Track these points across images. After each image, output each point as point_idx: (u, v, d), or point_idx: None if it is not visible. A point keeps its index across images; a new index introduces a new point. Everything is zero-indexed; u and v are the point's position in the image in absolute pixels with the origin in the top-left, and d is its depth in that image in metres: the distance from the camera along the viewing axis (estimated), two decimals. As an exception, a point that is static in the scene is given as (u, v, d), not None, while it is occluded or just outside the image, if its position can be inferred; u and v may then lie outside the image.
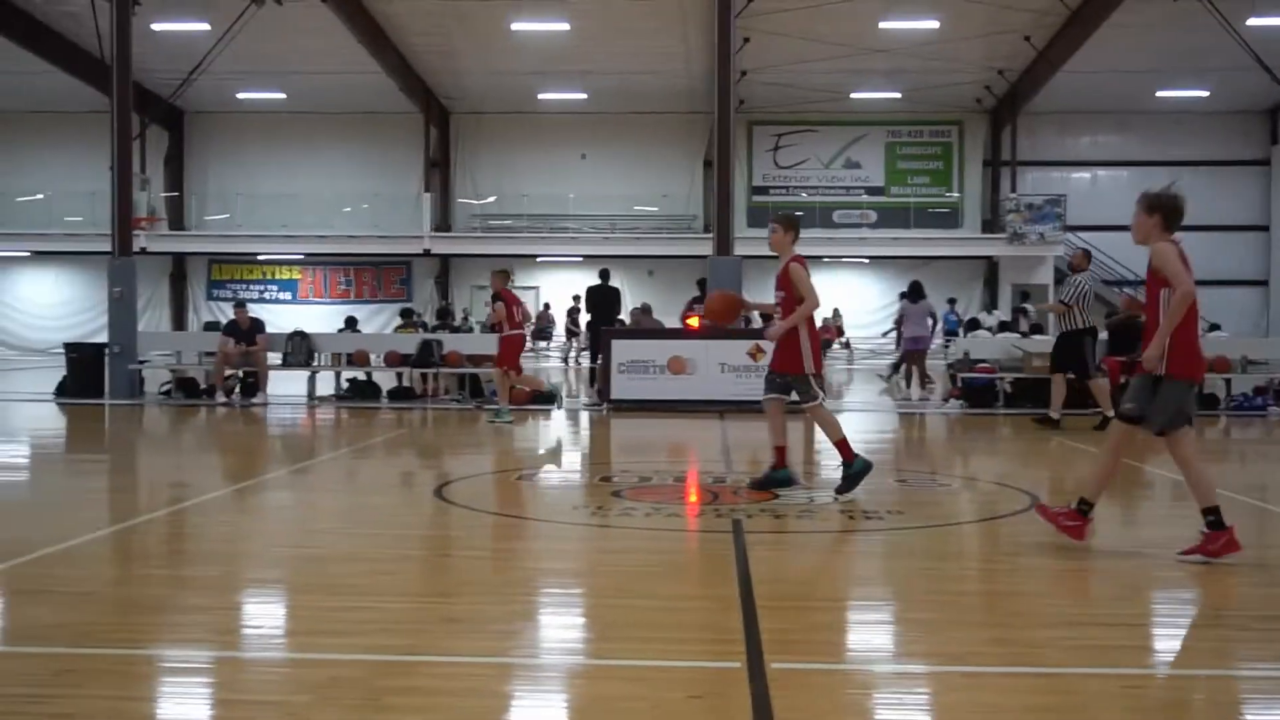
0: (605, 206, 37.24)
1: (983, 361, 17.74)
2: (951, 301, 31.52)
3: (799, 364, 8.48)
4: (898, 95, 35.20)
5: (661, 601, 5.75)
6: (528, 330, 15.80)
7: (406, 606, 5.63)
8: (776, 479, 8.71)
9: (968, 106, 37.01)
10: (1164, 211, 6.47)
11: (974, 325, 22.68)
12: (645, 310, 21.10)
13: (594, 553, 7.13)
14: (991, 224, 37.25)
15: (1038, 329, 24.24)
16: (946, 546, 7.40)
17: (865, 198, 38.15)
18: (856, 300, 36.98)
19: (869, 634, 5.43)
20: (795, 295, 8.53)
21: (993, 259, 37.41)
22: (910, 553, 7.10)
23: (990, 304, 35.99)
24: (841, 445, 8.49)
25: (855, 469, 8.46)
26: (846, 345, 34.72)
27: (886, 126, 38.27)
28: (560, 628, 5.47)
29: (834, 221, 37.22)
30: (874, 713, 4.27)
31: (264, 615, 5.69)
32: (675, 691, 4.34)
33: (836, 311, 34.05)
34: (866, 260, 37.74)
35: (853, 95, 35.17)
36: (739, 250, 19.32)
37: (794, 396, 8.63)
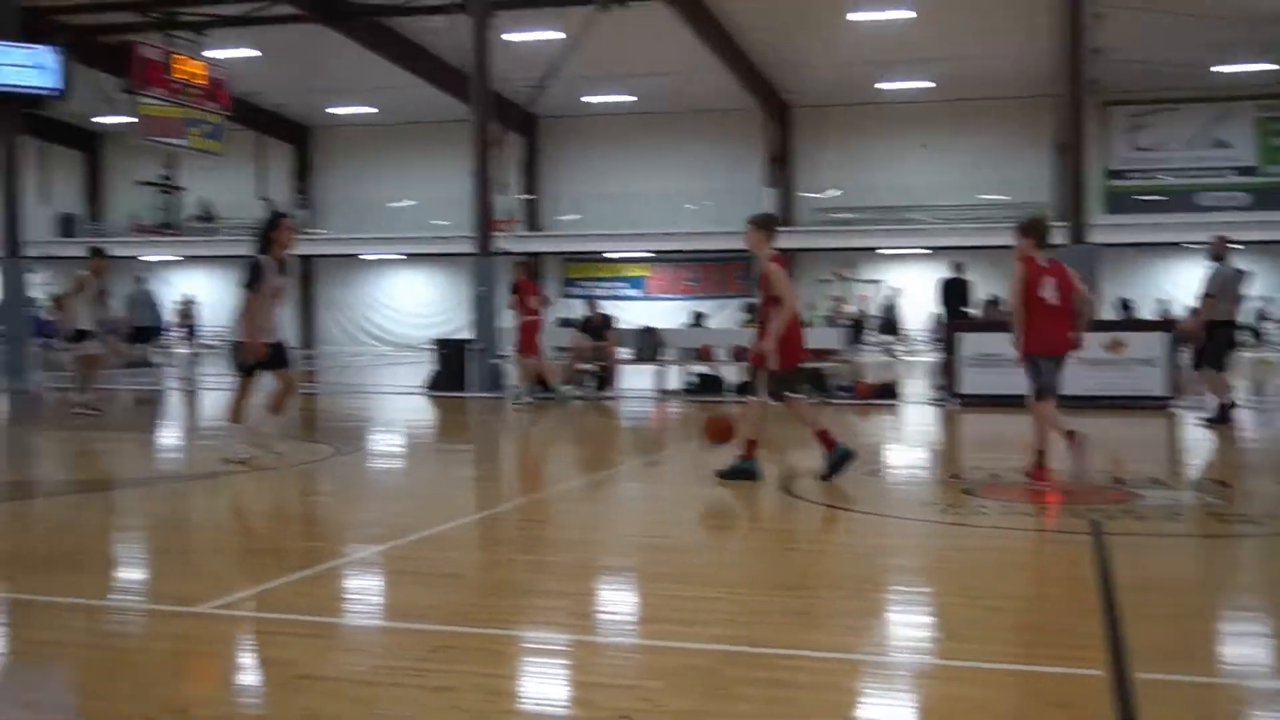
0: (948, 196, 36.33)
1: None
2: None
3: (778, 360, 8.71)
4: (1271, 67, 32.51)
5: (1015, 602, 5.58)
6: (546, 316, 16.76)
7: (754, 598, 5.70)
8: (742, 469, 8.90)
9: (1354, 72, 33.80)
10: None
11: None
12: (994, 303, 20.47)
13: (944, 550, 6.99)
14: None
15: None
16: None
17: (1235, 178, 35.52)
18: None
19: (1247, 647, 5.07)
20: (772, 295, 8.67)
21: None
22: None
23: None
24: (822, 435, 8.79)
25: (836, 455, 8.72)
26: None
27: (1257, 100, 35.47)
28: (910, 625, 5.39)
29: (1198, 205, 34.84)
30: (1253, 731, 3.99)
31: (617, 601, 5.90)
32: (1031, 697, 4.20)
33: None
34: (1241, 246, 35.04)
35: (1215, 69, 32.78)
36: (1095, 238, 18.41)
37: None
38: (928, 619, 5.49)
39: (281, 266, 9.88)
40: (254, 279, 9.58)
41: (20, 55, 22.14)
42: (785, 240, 36.72)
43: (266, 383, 10.21)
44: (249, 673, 4.66)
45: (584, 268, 41.61)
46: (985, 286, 27.32)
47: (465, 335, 20.95)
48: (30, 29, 23.40)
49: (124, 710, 3.98)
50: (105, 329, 15.49)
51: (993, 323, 17.73)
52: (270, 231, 9.79)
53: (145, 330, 28.73)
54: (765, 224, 9.05)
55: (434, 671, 4.43)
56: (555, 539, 7.58)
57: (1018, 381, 9.47)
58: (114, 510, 8.65)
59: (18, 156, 22.16)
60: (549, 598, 5.74)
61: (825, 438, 8.81)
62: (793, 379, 8.96)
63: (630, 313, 33.56)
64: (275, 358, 9.87)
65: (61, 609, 5.37)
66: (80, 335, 14.85)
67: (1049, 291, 8.87)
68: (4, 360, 21.34)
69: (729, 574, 6.23)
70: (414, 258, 41.28)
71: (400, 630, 5.16)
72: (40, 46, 22.61)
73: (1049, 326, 8.88)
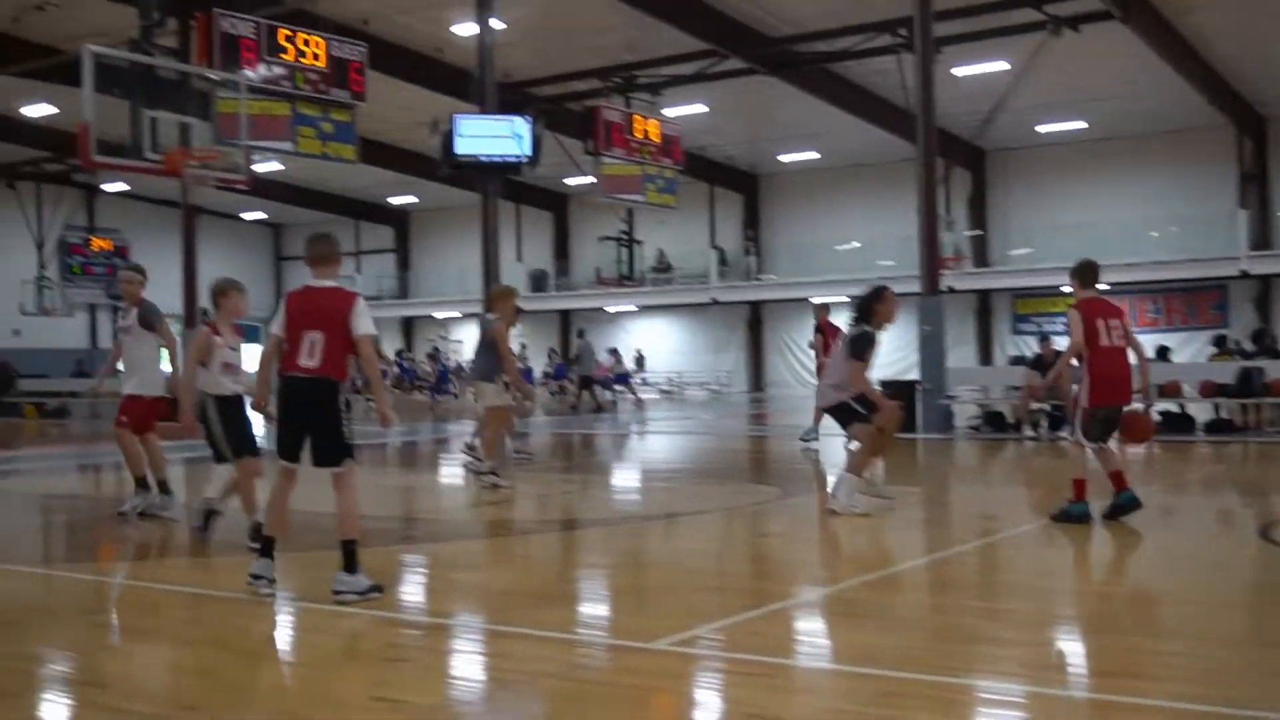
0: None
1: None
2: None
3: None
4: None
5: None
6: None
7: (1226, 654, 5.25)
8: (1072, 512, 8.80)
9: None
10: None
11: None
12: None
13: None
14: None
15: None
16: None
17: None
18: None
19: None
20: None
21: None
22: None
23: None
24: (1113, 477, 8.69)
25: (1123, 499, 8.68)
26: None
27: None
28: None
29: None
30: None
31: (1072, 652, 5.62)
32: None
33: None
34: None
35: None
36: None
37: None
38: None
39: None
40: (863, 349, 9.73)
41: (500, 127, 24.27)
42: (1262, 265, 33.61)
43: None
44: (702, 710, 4.81)
45: (1034, 303, 40.07)
46: None
47: (911, 376, 20.73)
48: (505, 103, 25.63)
49: (588, 737, 4.21)
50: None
51: None
52: (874, 303, 9.89)
53: (586, 379, 30.89)
54: (1077, 273, 9.30)
55: (881, 717, 4.39)
56: (1009, 584, 7.33)
57: None
58: (581, 548, 9.21)
59: (496, 219, 24.22)
60: (1001, 645, 5.55)
61: (1117, 479, 8.74)
62: (1092, 420, 8.80)
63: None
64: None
65: (534, 640, 5.76)
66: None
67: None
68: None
69: (1197, 627, 5.78)
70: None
71: (848, 674, 5.16)
72: (515, 118, 24.70)
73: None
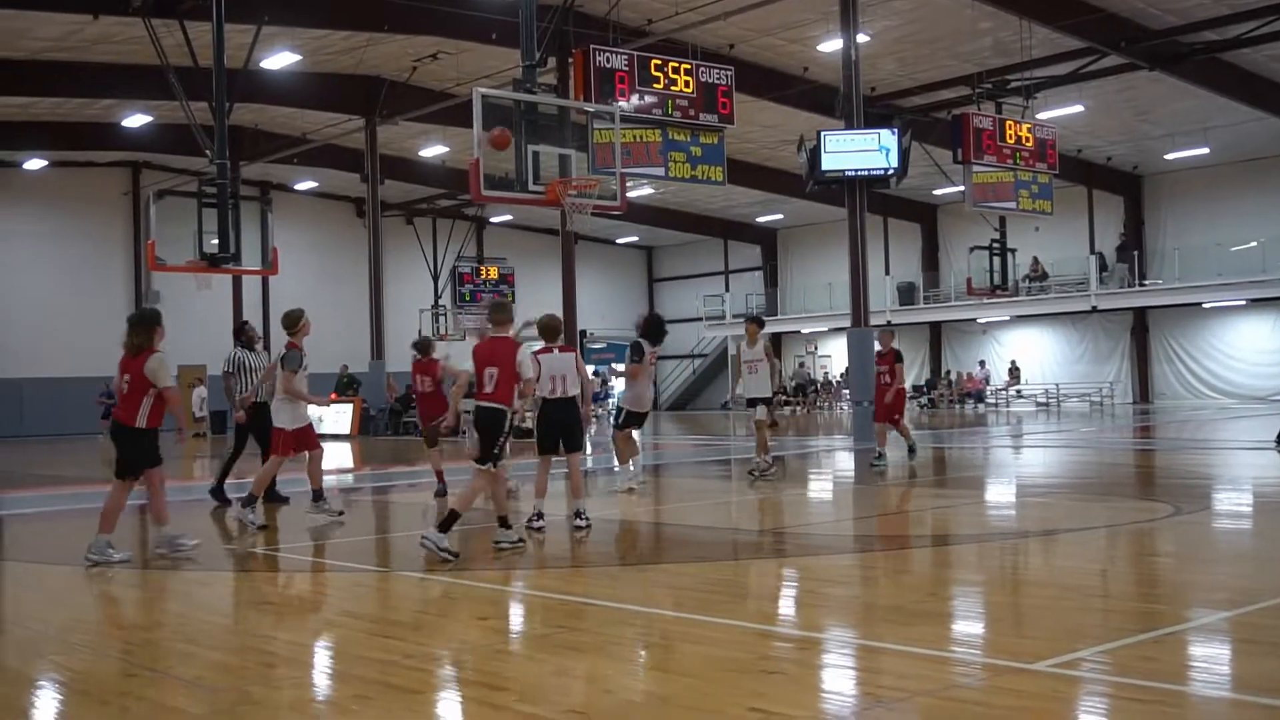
0: None
1: None
2: None
3: None
4: None
5: None
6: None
7: None
8: None
9: None
10: None
11: None
12: None
13: None
14: None
15: None
16: None
17: None
18: None
19: None
20: None
21: None
22: None
23: None
24: None
25: None
26: None
27: None
28: None
29: None
30: None
31: None
32: None
33: None
34: None
35: None
36: None
37: None
38: None
39: None
40: None
41: (866, 141, 24.18)
42: None
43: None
44: (1087, 734, 4.60)
45: None
46: None
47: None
48: (871, 116, 25.51)
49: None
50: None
51: None
52: None
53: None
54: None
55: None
56: None
57: None
58: (954, 565, 9.00)
59: (864, 233, 24.09)
60: None
61: None
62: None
63: None
64: None
65: (907, 657, 5.69)
66: (750, 403, 15.51)
67: None
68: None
69: None
70: (1256, 302, 38.27)
71: (1247, 704, 4.80)
72: (882, 130, 24.52)
73: None
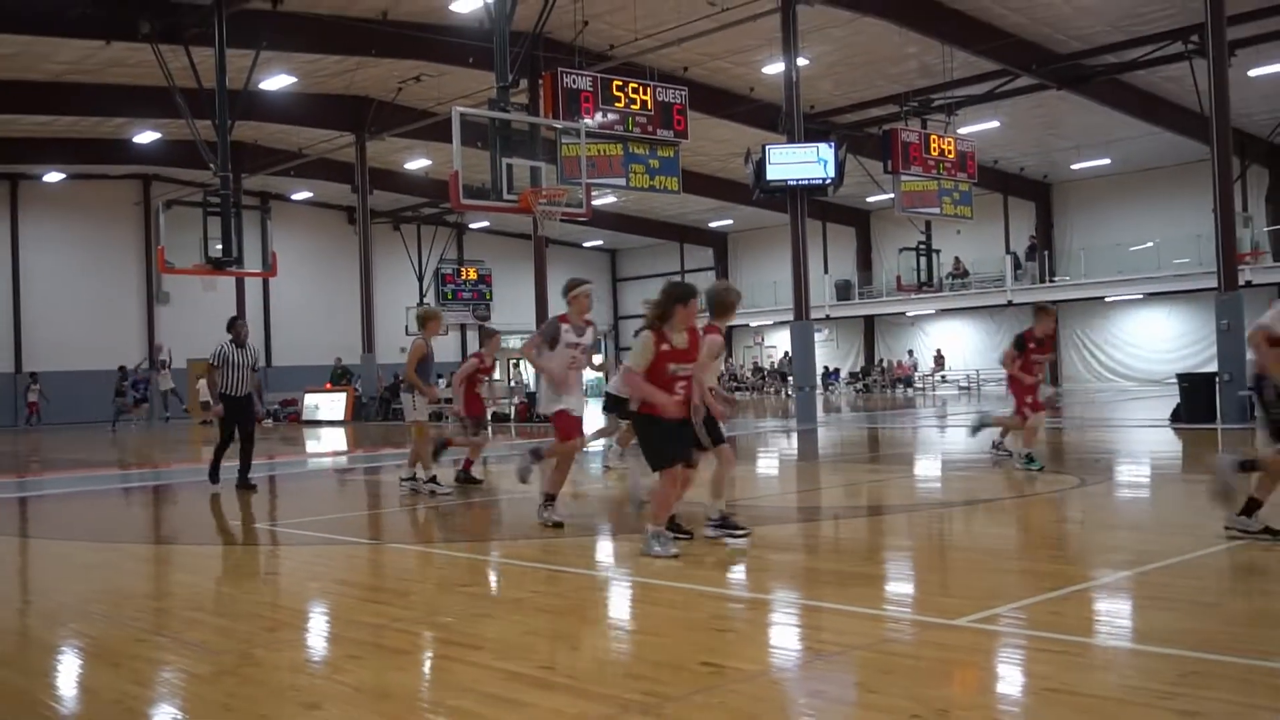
0: None
1: None
2: None
3: None
4: None
5: None
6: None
7: None
8: None
9: None
10: None
11: None
12: None
13: None
14: None
15: None
16: None
17: None
18: None
19: None
20: None
21: None
22: None
23: None
24: None
25: None
26: None
27: None
28: None
29: None
30: None
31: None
32: None
33: None
34: None
35: None
36: None
37: None
38: None
39: None
40: None
41: (805, 154, 24.22)
42: None
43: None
44: (1003, 682, 4.63)
45: (1342, 295, 36.35)
46: None
47: (1211, 369, 19.28)
48: (811, 131, 25.56)
49: (894, 706, 4.13)
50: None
51: None
52: None
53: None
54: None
55: (1183, 695, 4.10)
56: (1316, 572, 6.67)
57: None
58: (883, 532, 9.04)
59: (804, 236, 24.15)
60: (1308, 632, 5.06)
61: None
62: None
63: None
64: None
65: (845, 615, 5.71)
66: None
67: None
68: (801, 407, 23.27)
69: None
70: (1152, 296, 38.73)
71: (1148, 653, 4.84)
72: (820, 144, 24.57)
73: None
